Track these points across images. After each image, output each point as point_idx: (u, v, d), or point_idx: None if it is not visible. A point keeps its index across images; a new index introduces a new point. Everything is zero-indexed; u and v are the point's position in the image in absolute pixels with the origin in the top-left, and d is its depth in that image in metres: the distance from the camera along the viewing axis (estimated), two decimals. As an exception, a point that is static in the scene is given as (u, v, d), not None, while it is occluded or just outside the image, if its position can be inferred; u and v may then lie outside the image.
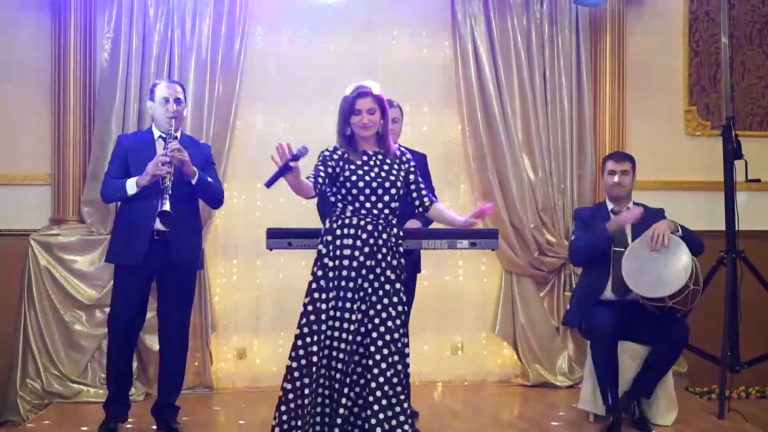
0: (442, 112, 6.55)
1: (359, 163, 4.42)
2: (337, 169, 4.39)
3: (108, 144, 5.95)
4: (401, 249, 4.45)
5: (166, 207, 4.74)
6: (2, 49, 6.11)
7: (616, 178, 5.43)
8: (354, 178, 4.38)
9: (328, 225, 4.46)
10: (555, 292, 6.50)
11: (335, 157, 4.42)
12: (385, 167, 4.45)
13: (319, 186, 4.35)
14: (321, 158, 4.42)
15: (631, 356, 5.28)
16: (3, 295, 6.00)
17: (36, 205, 6.09)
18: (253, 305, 6.41)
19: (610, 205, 5.51)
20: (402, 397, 4.32)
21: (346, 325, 4.30)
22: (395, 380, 4.31)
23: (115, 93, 6.05)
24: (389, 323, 4.34)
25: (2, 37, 6.11)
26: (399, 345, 4.35)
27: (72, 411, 5.70)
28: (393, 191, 4.42)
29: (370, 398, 4.27)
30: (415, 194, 4.56)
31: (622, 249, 5.26)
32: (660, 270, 5.12)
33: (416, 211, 4.65)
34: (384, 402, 4.27)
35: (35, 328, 5.93)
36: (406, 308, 4.45)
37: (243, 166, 6.36)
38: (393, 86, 6.36)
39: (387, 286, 4.36)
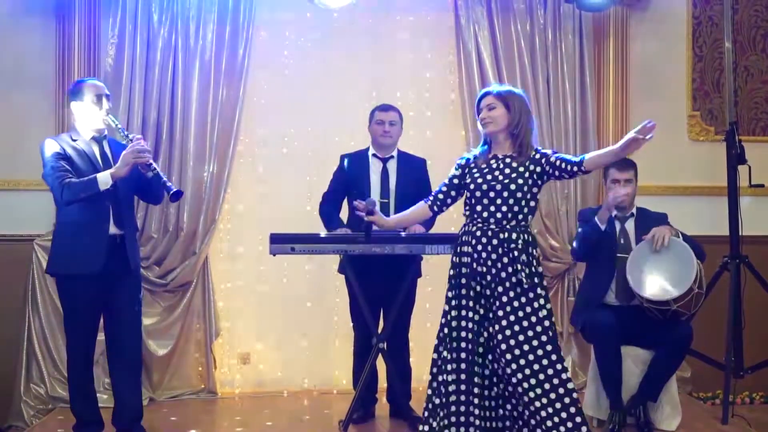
0: (445, 118, 6.55)
1: (483, 167, 4.46)
2: (468, 177, 4.49)
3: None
4: (522, 251, 4.32)
5: (174, 188, 4.70)
6: (7, 54, 6.12)
7: (621, 189, 5.37)
8: (473, 187, 4.43)
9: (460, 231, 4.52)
10: (559, 298, 6.49)
11: (466, 167, 4.54)
12: (507, 170, 4.39)
13: (438, 206, 4.65)
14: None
15: (634, 361, 5.27)
16: (7, 299, 6.02)
17: (40, 210, 6.09)
18: (256, 310, 6.42)
19: (613, 210, 5.50)
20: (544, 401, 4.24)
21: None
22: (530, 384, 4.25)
23: (119, 98, 6.05)
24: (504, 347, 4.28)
25: (7, 43, 6.12)
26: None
27: (76, 416, 5.71)
28: (505, 194, 4.34)
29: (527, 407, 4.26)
30: (564, 164, 4.35)
31: (626, 255, 5.26)
32: (664, 274, 5.12)
33: (576, 174, 4.39)
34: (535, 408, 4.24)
35: (39, 333, 5.95)
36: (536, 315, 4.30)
37: (247, 171, 6.37)
38: (396, 91, 6.37)
39: (502, 291, 4.32)
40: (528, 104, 4.48)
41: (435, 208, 4.63)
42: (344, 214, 5.54)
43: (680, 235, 5.23)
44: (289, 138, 6.41)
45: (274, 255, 5.02)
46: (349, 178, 5.48)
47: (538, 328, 4.24)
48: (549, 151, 4.43)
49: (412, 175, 5.51)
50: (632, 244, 5.34)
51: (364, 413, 5.55)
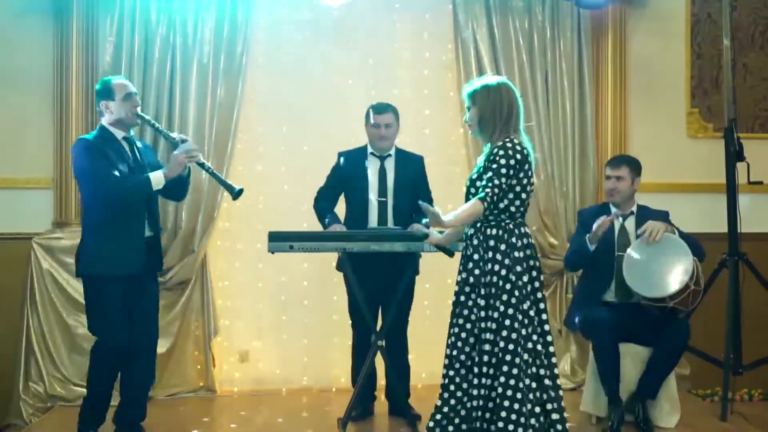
0: (443, 115, 6.55)
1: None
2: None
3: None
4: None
5: (237, 187, 4.77)
6: (5, 53, 6.12)
7: (610, 184, 5.44)
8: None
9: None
10: (557, 295, 6.49)
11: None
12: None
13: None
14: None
15: (633, 359, 5.28)
16: (5, 298, 6.02)
17: (38, 209, 6.10)
18: (255, 308, 6.42)
19: (613, 208, 5.51)
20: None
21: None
22: None
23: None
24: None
25: (5, 42, 6.12)
26: None
27: (74, 414, 5.66)
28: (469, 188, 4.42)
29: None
30: None
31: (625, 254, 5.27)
32: (661, 270, 5.12)
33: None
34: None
35: (38, 332, 5.95)
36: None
37: (245, 169, 6.37)
38: (394, 89, 6.38)
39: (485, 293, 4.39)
40: (500, 93, 4.41)
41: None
42: (340, 213, 5.54)
43: (676, 233, 5.23)
44: (288, 136, 6.41)
45: (273, 253, 5.01)
46: (346, 176, 5.48)
47: None
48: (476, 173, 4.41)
49: (410, 173, 5.51)
50: (632, 243, 5.34)
51: (363, 411, 5.56)
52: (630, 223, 5.45)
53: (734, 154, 5.70)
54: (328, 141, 6.26)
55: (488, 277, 4.30)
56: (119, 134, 4.84)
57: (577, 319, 5.45)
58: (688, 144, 6.70)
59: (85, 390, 5.85)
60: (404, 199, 5.44)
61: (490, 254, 4.31)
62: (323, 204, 5.49)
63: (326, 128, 6.39)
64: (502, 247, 4.29)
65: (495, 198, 4.25)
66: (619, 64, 6.56)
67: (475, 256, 4.35)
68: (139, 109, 4.89)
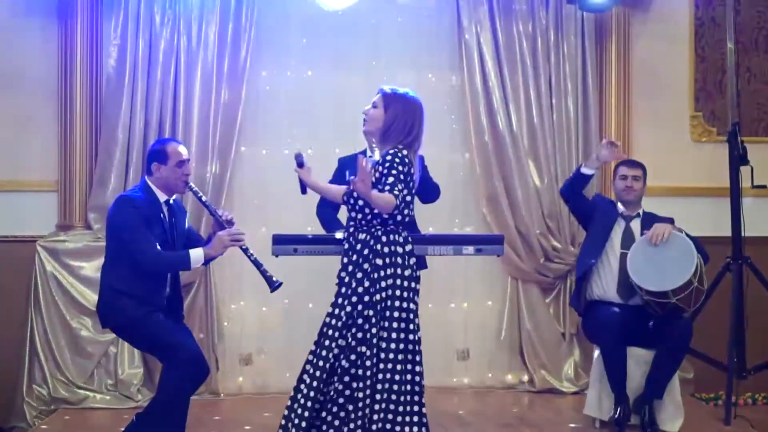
0: (447, 118, 6.55)
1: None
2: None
3: (115, 151, 6.02)
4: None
5: (276, 280, 4.73)
6: (9, 56, 6.13)
7: (627, 183, 5.48)
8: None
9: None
10: (561, 299, 6.50)
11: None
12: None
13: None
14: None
15: (636, 362, 5.28)
16: (10, 301, 6.02)
17: (43, 212, 6.11)
18: (258, 311, 6.41)
19: (620, 208, 5.53)
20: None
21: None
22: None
23: (122, 100, 6.07)
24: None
25: (9, 44, 6.13)
26: None
27: (78, 417, 5.72)
28: (351, 193, 4.33)
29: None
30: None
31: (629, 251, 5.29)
32: (664, 265, 5.13)
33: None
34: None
35: (42, 334, 5.95)
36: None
37: (249, 172, 6.37)
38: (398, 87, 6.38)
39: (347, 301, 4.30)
40: (415, 112, 4.37)
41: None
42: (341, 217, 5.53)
43: (683, 233, 5.25)
44: (291, 138, 6.40)
45: (277, 256, 5.00)
46: (347, 181, 5.46)
47: None
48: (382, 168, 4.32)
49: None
50: (637, 239, 5.36)
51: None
52: (635, 225, 5.48)
53: (738, 158, 5.71)
54: (332, 143, 6.26)
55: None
56: (162, 197, 4.68)
57: (581, 322, 5.47)
58: (691, 148, 6.70)
59: (88, 393, 5.91)
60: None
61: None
62: (326, 210, 5.48)
63: (331, 131, 6.39)
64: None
65: (403, 202, 4.21)
66: (622, 68, 6.56)
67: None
68: (190, 178, 4.75)
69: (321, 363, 4.25)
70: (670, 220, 5.46)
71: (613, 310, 5.27)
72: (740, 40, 6.60)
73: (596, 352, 5.45)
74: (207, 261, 4.73)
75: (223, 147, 6.16)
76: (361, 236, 4.28)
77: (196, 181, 6.07)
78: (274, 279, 4.73)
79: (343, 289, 4.28)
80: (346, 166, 5.49)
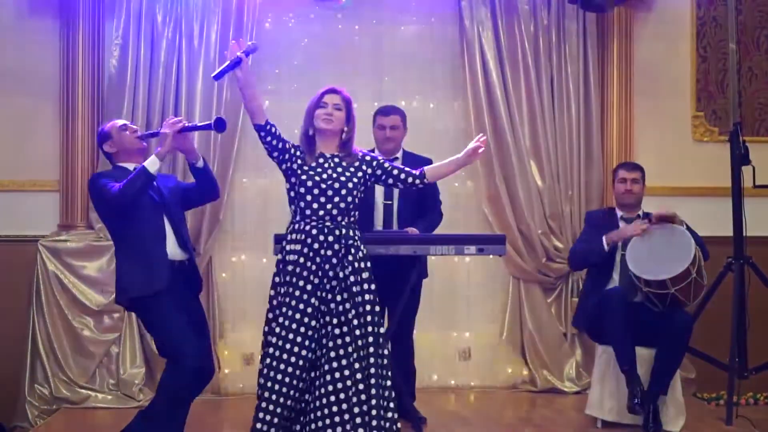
0: (449, 118, 6.56)
1: (312, 165, 4.35)
2: (288, 161, 4.38)
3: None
4: (357, 248, 4.35)
5: (212, 120, 4.57)
6: (11, 55, 6.14)
7: (627, 186, 5.48)
8: (305, 180, 4.31)
9: (286, 233, 4.39)
10: (562, 299, 6.50)
11: (291, 148, 4.40)
12: (339, 169, 4.35)
13: (270, 124, 4.40)
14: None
15: (639, 362, 5.26)
16: (11, 300, 6.03)
17: (44, 211, 6.12)
18: (260, 311, 6.38)
19: (619, 212, 5.54)
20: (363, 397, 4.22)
21: (303, 330, 4.22)
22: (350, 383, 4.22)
23: (124, 99, 6.08)
24: (352, 324, 4.26)
25: (11, 44, 6.14)
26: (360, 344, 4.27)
27: (80, 416, 5.72)
28: (343, 191, 4.31)
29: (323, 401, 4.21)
30: (402, 175, 4.44)
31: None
32: (662, 256, 5.16)
33: (413, 185, 4.47)
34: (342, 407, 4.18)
35: (43, 334, 5.95)
36: (372, 306, 4.31)
37: (250, 172, 6.38)
38: (401, 90, 6.39)
39: (343, 298, 4.28)
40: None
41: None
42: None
43: (684, 225, 5.27)
44: (294, 138, 6.38)
45: (278, 255, 5.01)
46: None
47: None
48: (381, 157, 4.53)
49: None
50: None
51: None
52: (636, 229, 5.47)
53: (740, 158, 5.69)
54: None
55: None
56: (130, 166, 4.62)
57: (584, 323, 5.48)
58: (693, 147, 6.70)
59: (90, 392, 5.91)
60: (410, 203, 5.44)
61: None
62: None
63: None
64: None
65: None
66: (624, 68, 6.56)
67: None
68: (138, 132, 4.71)
69: None
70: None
71: (617, 291, 5.26)
72: (742, 40, 6.60)
73: (598, 353, 5.45)
74: (197, 177, 4.68)
75: (225, 147, 6.17)
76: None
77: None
78: (213, 119, 4.58)
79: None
80: None
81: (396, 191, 5.42)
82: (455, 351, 6.55)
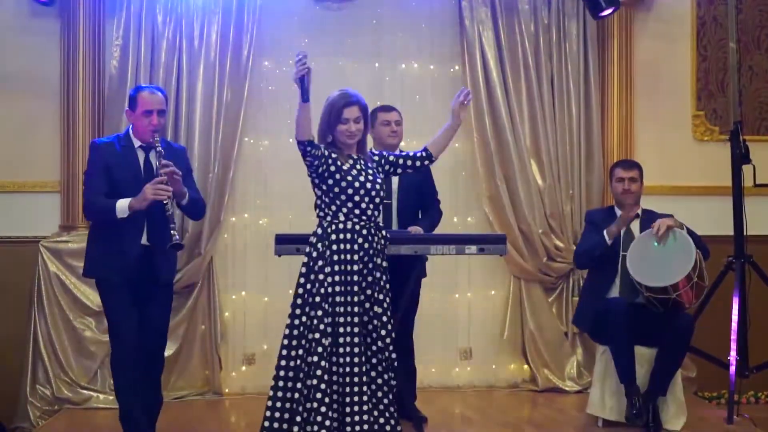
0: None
1: (347, 166, 4.43)
2: (324, 165, 4.40)
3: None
4: (384, 244, 4.56)
5: (175, 239, 4.50)
6: (12, 56, 6.14)
7: (625, 186, 5.46)
8: (348, 180, 4.39)
9: (320, 231, 4.44)
10: (563, 298, 6.50)
11: (325, 152, 4.42)
12: (369, 171, 4.49)
13: (315, 145, 4.40)
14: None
15: (639, 361, 5.27)
16: (13, 301, 6.03)
17: (46, 212, 6.12)
18: (261, 311, 6.42)
19: (618, 212, 5.53)
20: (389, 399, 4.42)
21: (349, 329, 4.34)
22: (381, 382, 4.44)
23: (124, 99, 6.06)
24: (382, 330, 4.45)
25: (12, 45, 6.14)
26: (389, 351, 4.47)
27: (82, 417, 5.72)
28: (376, 190, 4.44)
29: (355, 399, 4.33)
30: (409, 161, 4.62)
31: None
32: (664, 261, 5.14)
33: (423, 164, 4.66)
34: (371, 405, 4.35)
35: (45, 335, 5.95)
36: (389, 312, 4.53)
37: (251, 172, 6.38)
38: (400, 89, 6.40)
39: (378, 290, 4.45)
40: None
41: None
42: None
43: (684, 228, 5.26)
44: (294, 138, 6.40)
45: (280, 256, 5.02)
46: None
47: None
48: (384, 152, 4.68)
49: (416, 176, 5.50)
50: (636, 236, 5.36)
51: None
52: (635, 226, 5.46)
53: (740, 157, 5.70)
54: (334, 144, 6.28)
55: None
56: (137, 143, 4.69)
57: (586, 323, 5.48)
58: (694, 147, 6.70)
59: (92, 393, 5.92)
60: (409, 201, 5.44)
61: None
62: None
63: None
64: None
65: None
66: (624, 67, 6.56)
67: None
68: (156, 134, 4.66)
69: None
70: (670, 217, 5.46)
71: (620, 303, 5.25)
72: (742, 39, 6.60)
73: (599, 352, 5.46)
74: (135, 212, 4.54)
75: (226, 146, 6.17)
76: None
77: (199, 181, 6.09)
78: (174, 239, 4.53)
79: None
80: None
81: (395, 190, 5.42)
82: (456, 350, 6.55)
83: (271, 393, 4.40)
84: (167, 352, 5.97)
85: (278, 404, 4.37)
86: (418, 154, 4.62)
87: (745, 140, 5.72)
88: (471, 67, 6.39)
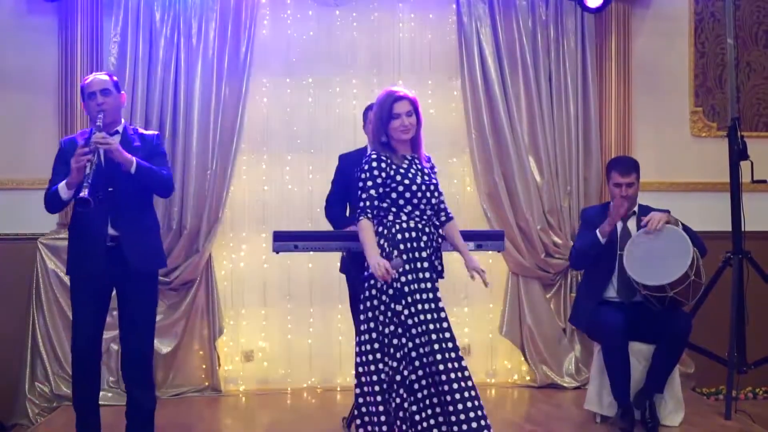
0: (447, 114, 6.56)
1: (404, 167, 4.40)
2: (383, 174, 4.36)
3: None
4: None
5: (83, 193, 4.33)
6: (10, 54, 6.14)
7: (622, 192, 5.39)
8: (407, 182, 4.35)
9: (385, 232, 4.36)
10: (561, 294, 6.51)
11: (383, 165, 4.36)
12: (425, 171, 4.46)
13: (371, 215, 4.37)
14: (371, 176, 4.34)
15: (636, 357, 5.28)
16: (11, 298, 6.04)
17: (44, 210, 6.06)
18: (260, 308, 6.43)
19: (615, 224, 5.49)
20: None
21: (422, 329, 4.41)
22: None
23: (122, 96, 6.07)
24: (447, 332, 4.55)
25: (10, 42, 6.14)
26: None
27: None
28: (432, 190, 4.42)
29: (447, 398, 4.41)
30: (442, 205, 4.58)
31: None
32: (661, 259, 5.14)
33: (438, 219, 4.59)
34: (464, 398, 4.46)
35: (43, 332, 5.97)
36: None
37: (249, 169, 6.39)
38: (399, 88, 6.37)
39: (438, 289, 4.45)
40: None
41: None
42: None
43: (680, 224, 5.25)
44: (292, 135, 6.42)
45: (278, 252, 5.01)
46: (349, 179, 5.41)
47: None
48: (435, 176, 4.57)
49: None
50: (633, 234, 5.35)
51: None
52: (632, 224, 5.45)
53: (738, 153, 5.70)
54: (333, 140, 6.29)
55: None
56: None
57: (582, 322, 5.48)
58: (691, 143, 6.70)
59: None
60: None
61: None
62: (335, 210, 5.42)
63: (331, 128, 6.40)
64: None
65: None
66: (622, 64, 6.56)
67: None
68: (101, 117, 4.61)
69: None
70: (666, 212, 5.46)
71: (617, 314, 5.24)
72: (740, 35, 6.61)
73: (596, 349, 5.46)
74: (75, 187, 4.46)
75: (224, 144, 6.17)
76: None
77: (198, 178, 6.10)
78: (82, 194, 4.38)
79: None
80: (348, 162, 5.45)
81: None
82: (455, 347, 6.55)
83: (357, 390, 4.43)
84: (165, 349, 6.02)
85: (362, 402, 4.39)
86: (446, 209, 4.60)
87: (742, 136, 5.72)
88: (468, 63, 6.39)
